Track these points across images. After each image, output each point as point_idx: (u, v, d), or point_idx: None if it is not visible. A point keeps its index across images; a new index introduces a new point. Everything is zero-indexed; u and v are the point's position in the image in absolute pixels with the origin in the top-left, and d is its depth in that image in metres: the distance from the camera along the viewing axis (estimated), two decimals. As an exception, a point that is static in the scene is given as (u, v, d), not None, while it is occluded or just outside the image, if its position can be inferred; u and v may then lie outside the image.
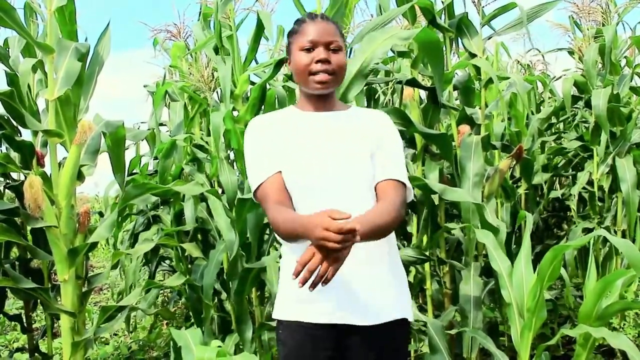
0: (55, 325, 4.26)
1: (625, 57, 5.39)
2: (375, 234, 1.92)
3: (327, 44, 2.10)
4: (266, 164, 2.14)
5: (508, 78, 4.07)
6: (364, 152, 2.12)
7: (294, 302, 2.14)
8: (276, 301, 2.24)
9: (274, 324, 3.67)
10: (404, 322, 2.17)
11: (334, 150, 2.12)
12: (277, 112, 2.31)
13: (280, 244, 2.31)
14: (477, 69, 3.93)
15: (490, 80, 3.84)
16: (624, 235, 4.81)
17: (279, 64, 3.59)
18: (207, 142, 4.43)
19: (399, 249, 3.86)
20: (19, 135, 3.94)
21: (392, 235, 2.18)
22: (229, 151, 4.31)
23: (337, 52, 2.11)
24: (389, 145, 2.18)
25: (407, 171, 2.32)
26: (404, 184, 2.12)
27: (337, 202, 1.99)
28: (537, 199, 5.75)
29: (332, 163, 2.11)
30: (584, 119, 5.78)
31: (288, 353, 2.17)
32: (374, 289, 2.09)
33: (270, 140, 2.17)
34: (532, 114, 5.33)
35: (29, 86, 3.89)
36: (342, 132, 2.16)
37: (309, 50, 2.11)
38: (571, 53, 5.55)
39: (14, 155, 4.00)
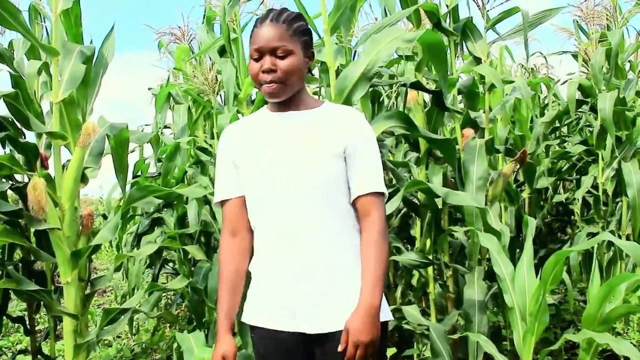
0: (58, 327, 4.26)
1: (629, 61, 5.38)
2: (384, 280, 2.02)
3: (272, 50, 2.02)
4: (224, 184, 2.20)
5: (512, 82, 4.06)
6: (324, 154, 2.05)
7: (260, 307, 2.13)
8: (245, 303, 2.22)
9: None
10: None
11: (285, 154, 2.07)
12: (252, 115, 2.27)
13: None
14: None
15: (493, 85, 3.84)
16: (628, 240, 4.80)
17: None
18: (210, 145, 4.44)
19: (402, 253, 3.88)
20: (23, 137, 3.94)
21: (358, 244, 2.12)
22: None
23: (284, 57, 2.02)
24: (365, 152, 2.09)
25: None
26: (382, 193, 2.09)
27: (288, 211, 2.04)
28: (541, 203, 5.75)
29: (281, 168, 2.06)
30: (588, 123, 5.77)
31: (262, 355, 2.16)
32: (332, 296, 2.03)
33: (234, 153, 2.17)
34: (536, 117, 5.32)
35: (34, 88, 3.90)
36: (298, 134, 2.09)
37: (257, 59, 2.05)
38: (575, 57, 5.54)
39: (18, 157, 4.01)
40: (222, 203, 2.20)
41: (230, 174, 2.18)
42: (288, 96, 2.09)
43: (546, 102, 6.73)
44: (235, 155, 2.16)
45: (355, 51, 3.84)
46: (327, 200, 2.05)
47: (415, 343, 4.13)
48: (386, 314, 2.10)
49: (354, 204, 2.08)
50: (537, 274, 2.83)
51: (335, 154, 2.05)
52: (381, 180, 2.09)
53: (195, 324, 4.23)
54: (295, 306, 2.04)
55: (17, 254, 4.21)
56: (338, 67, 3.52)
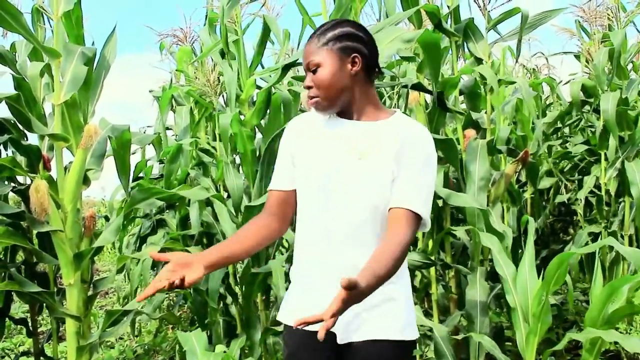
0: (61, 329, 4.26)
1: (632, 61, 5.38)
2: (379, 283, 1.77)
3: (306, 67, 2.04)
4: (276, 175, 2.21)
5: (514, 82, 4.06)
6: (376, 171, 1.99)
7: (293, 307, 2.17)
8: (282, 302, 2.26)
9: (279, 328, 3.70)
10: (393, 342, 2.05)
11: (339, 166, 2.04)
12: (316, 114, 2.21)
13: (286, 249, 2.31)
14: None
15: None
16: (631, 240, 4.80)
17: (286, 68, 3.59)
18: (213, 147, 4.44)
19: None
20: (25, 139, 3.95)
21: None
22: (234, 155, 4.32)
23: (315, 71, 2.01)
24: (412, 167, 1.97)
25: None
26: (419, 216, 1.95)
27: (333, 220, 2.02)
28: (543, 203, 5.75)
29: (333, 179, 2.03)
30: (590, 123, 5.76)
31: (288, 354, 2.20)
32: (370, 308, 2.01)
33: (293, 147, 2.17)
34: (538, 118, 5.32)
35: (35, 90, 3.90)
36: (356, 147, 2.03)
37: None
38: (578, 57, 5.54)
39: (21, 159, 4.01)
40: (270, 192, 2.22)
41: (284, 167, 2.19)
42: (337, 108, 2.05)
43: (548, 102, 6.74)
44: (294, 150, 2.17)
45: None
46: (373, 216, 2.01)
47: (418, 344, 4.13)
48: (413, 332, 2.09)
49: (389, 213, 1.98)
50: (539, 274, 2.83)
51: (390, 176, 1.98)
52: (424, 201, 1.96)
53: (197, 325, 4.23)
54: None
55: (20, 256, 4.20)
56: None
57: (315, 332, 2.08)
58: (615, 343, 2.78)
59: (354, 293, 1.62)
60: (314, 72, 2.01)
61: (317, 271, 2.07)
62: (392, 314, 2.06)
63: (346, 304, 1.62)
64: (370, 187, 1.99)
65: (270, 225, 2.17)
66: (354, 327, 2.03)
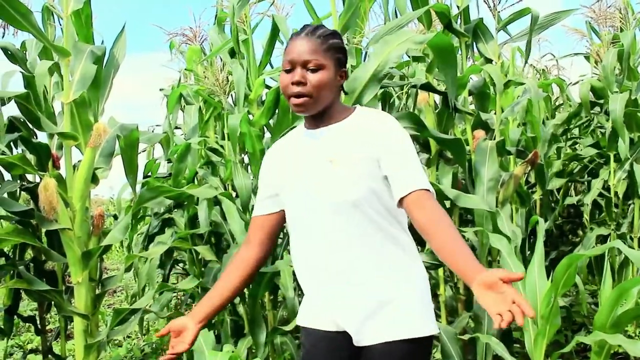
0: (69, 327, 4.27)
1: (642, 62, 5.35)
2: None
3: (304, 63, 2.01)
4: (260, 200, 2.28)
5: (523, 83, 4.04)
6: (352, 174, 2.02)
7: (308, 308, 2.20)
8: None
9: (286, 328, 3.70)
10: (406, 341, 2.04)
11: (314, 177, 2.07)
12: (291, 133, 2.29)
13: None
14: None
15: (504, 86, 3.83)
16: (640, 242, 4.78)
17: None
18: (221, 146, 4.44)
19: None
20: (35, 137, 3.96)
21: (410, 250, 2.11)
22: (243, 155, 4.32)
23: (316, 71, 2.01)
24: (400, 155, 2.02)
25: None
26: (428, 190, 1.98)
27: (322, 233, 2.04)
28: (552, 205, 5.73)
29: (311, 192, 2.07)
30: (599, 125, 5.74)
31: (305, 355, 2.21)
32: (375, 307, 2.04)
33: (270, 176, 2.25)
34: (547, 119, 5.30)
35: (45, 89, 3.91)
36: (326, 155, 2.07)
37: (288, 71, 2.04)
38: (587, 58, 5.52)
39: (30, 157, 4.03)
40: (252, 219, 2.30)
41: (263, 195, 2.26)
42: (316, 111, 2.07)
43: (557, 103, 6.71)
44: (272, 179, 2.23)
45: (366, 52, 3.84)
46: (361, 219, 2.01)
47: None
48: (428, 328, 2.07)
49: (401, 207, 2.00)
50: (548, 276, 2.82)
51: (365, 171, 2.01)
52: (424, 178, 1.99)
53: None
54: (340, 320, 2.08)
55: (29, 254, 4.22)
56: (348, 68, 3.52)
57: (332, 334, 2.11)
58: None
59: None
60: (313, 71, 2.01)
61: (322, 275, 2.10)
62: (404, 312, 2.05)
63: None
64: (345, 186, 2.01)
65: (249, 258, 2.26)
66: (367, 329, 2.04)
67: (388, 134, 2.05)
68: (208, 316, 2.18)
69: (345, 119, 2.11)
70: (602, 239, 4.99)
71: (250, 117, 4.16)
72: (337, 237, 2.03)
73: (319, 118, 2.11)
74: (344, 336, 2.08)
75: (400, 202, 1.98)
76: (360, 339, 2.05)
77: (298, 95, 2.02)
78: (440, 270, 3.86)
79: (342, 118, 2.12)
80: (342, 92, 2.17)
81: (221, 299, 2.21)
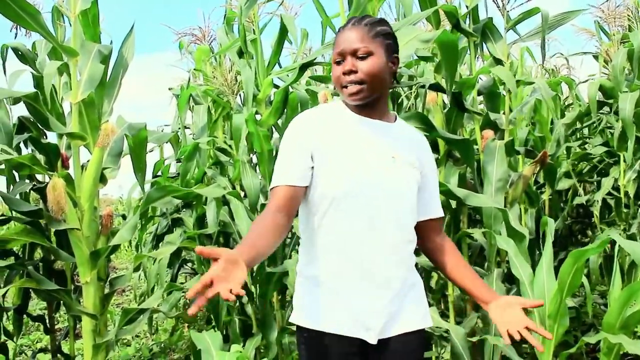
0: (78, 326, 4.29)
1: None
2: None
3: (353, 52, 2.00)
4: (292, 170, 2.04)
5: (532, 83, 4.02)
6: (409, 175, 2.10)
7: (327, 313, 2.06)
8: (304, 306, 2.15)
9: (294, 328, 3.69)
10: (418, 332, 2.12)
11: (377, 168, 2.03)
12: (325, 109, 2.17)
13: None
14: (502, 74, 3.91)
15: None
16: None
17: (302, 68, 3.58)
18: (230, 146, 4.44)
19: (421, 254, 3.86)
20: (44, 137, 3.98)
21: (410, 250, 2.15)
22: (251, 154, 4.32)
23: (365, 58, 1.99)
24: (435, 178, 2.22)
25: None
26: None
27: (370, 222, 1.99)
28: (562, 205, 5.70)
29: (372, 181, 2.01)
30: (609, 125, 5.71)
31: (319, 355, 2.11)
32: (401, 307, 2.08)
33: (313, 144, 2.05)
34: (557, 119, 5.28)
35: (55, 89, 3.92)
36: (388, 150, 2.07)
37: (339, 62, 2.03)
38: (596, 57, 5.49)
39: (40, 157, 4.04)
40: (280, 187, 2.03)
41: (300, 162, 2.04)
42: (370, 99, 2.05)
43: (567, 103, 6.68)
44: (315, 147, 2.04)
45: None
46: (405, 221, 2.09)
47: (433, 345, 4.10)
48: (430, 319, 2.20)
49: (419, 222, 2.16)
50: (557, 276, 2.80)
51: (414, 179, 2.11)
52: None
53: (213, 324, 4.24)
54: (369, 320, 2.03)
55: (38, 253, 4.23)
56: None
57: (345, 339, 2.06)
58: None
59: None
60: (362, 58, 2.00)
61: (357, 275, 2.01)
62: (417, 302, 2.15)
63: None
64: (405, 187, 2.07)
65: (283, 225, 1.98)
66: (388, 325, 2.06)
67: (431, 155, 2.22)
68: (254, 261, 1.81)
69: (396, 122, 2.16)
70: (611, 240, 4.96)
71: (259, 117, 4.16)
72: (393, 235, 2.04)
73: (372, 108, 2.10)
74: (358, 343, 2.05)
75: (422, 221, 2.14)
76: (382, 334, 2.05)
77: (351, 84, 2.01)
78: (449, 271, 3.84)
79: (392, 119, 2.16)
80: (394, 80, 2.14)
81: (263, 248, 1.85)
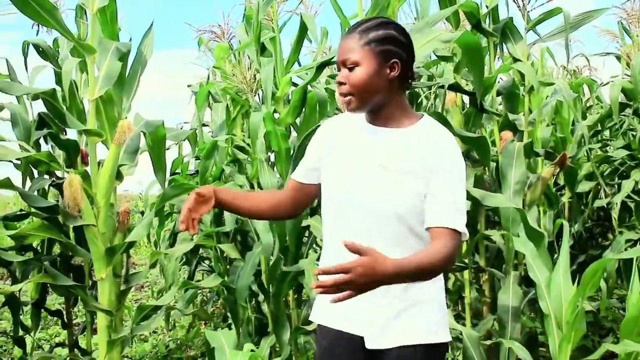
0: (95, 321, 4.32)
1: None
2: (407, 275, 1.82)
3: (343, 63, 2.00)
4: (301, 166, 2.29)
5: (553, 84, 3.98)
6: (399, 185, 1.99)
7: (324, 307, 2.19)
8: (314, 303, 2.29)
9: (310, 327, 3.69)
10: (421, 346, 2.05)
11: (361, 175, 2.05)
12: (350, 115, 2.19)
13: (321, 247, 2.32)
14: (522, 75, 3.87)
15: (532, 87, 3.78)
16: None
17: (321, 67, 3.58)
18: (248, 144, 4.44)
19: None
20: (64, 133, 4.00)
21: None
22: (269, 153, 4.31)
23: (353, 69, 1.98)
24: (442, 183, 1.97)
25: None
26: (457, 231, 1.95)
27: (354, 233, 1.98)
28: (582, 207, 5.64)
29: (353, 188, 2.05)
30: (631, 127, 5.64)
31: (321, 353, 2.21)
32: (393, 312, 2.04)
33: (324, 146, 2.21)
34: (578, 121, 5.22)
35: (76, 86, 3.94)
36: (377, 157, 2.03)
37: (339, 71, 2.04)
38: (619, 58, 5.43)
39: (60, 153, 4.07)
40: (291, 178, 2.34)
41: (307, 161, 2.27)
42: (366, 109, 2.05)
43: (588, 104, 6.61)
44: (324, 152, 2.20)
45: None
46: (396, 230, 2.01)
47: (450, 346, 4.08)
48: (443, 335, 2.09)
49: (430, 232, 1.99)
50: (574, 279, 2.77)
51: (412, 185, 1.98)
52: (459, 214, 1.96)
53: (229, 322, 4.24)
54: (359, 323, 2.08)
55: (57, 249, 4.26)
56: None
57: (347, 335, 2.10)
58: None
59: (371, 265, 1.68)
60: (351, 69, 1.99)
61: None
62: (421, 318, 2.06)
63: (361, 271, 1.67)
64: (393, 197, 1.99)
65: (284, 202, 2.31)
66: (383, 334, 2.04)
67: (443, 156, 2.00)
68: (226, 202, 2.20)
69: (408, 127, 2.06)
70: (631, 243, 4.90)
71: (277, 115, 4.15)
72: (369, 241, 1.94)
73: (376, 115, 2.08)
74: (362, 339, 2.08)
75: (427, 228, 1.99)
76: (376, 344, 2.04)
77: (343, 95, 2.02)
78: (466, 273, 3.83)
79: (405, 124, 2.06)
80: (404, 86, 2.08)
81: (240, 204, 2.25)
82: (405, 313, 2.03)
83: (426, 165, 1.98)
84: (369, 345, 2.04)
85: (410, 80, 2.10)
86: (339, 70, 2.04)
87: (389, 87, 2.02)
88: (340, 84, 2.01)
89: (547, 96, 4.57)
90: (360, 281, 1.66)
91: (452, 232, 1.92)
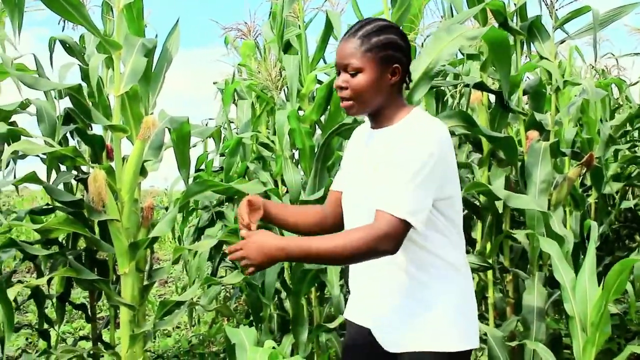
0: (119, 315, 4.35)
1: None
2: (311, 259, 1.94)
3: (344, 67, 2.00)
4: (337, 177, 2.35)
5: (579, 84, 3.93)
6: (373, 178, 2.03)
7: (352, 303, 2.26)
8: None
9: (331, 325, 3.69)
10: (436, 354, 2.01)
11: (359, 178, 2.12)
12: (366, 122, 2.25)
13: None
14: (549, 73, 3.83)
15: (560, 87, 3.74)
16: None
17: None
18: (272, 141, 4.45)
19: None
20: (90, 129, 4.02)
21: (443, 264, 2.05)
22: (293, 150, 4.31)
23: (355, 75, 1.98)
24: (388, 167, 1.95)
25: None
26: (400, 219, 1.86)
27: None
28: (609, 208, 5.58)
29: (353, 188, 2.16)
30: (661, 127, 5.57)
31: (345, 346, 2.29)
32: (404, 316, 2.04)
33: (345, 156, 2.32)
34: (606, 120, 5.16)
35: (102, 81, 3.97)
36: (372, 159, 2.07)
37: (338, 74, 2.05)
38: (649, 58, 5.36)
39: (85, 148, 4.10)
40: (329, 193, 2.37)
41: (342, 172, 2.32)
42: (366, 113, 2.08)
43: (617, 104, 6.54)
44: (344, 161, 2.32)
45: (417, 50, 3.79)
46: None
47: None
48: (462, 343, 2.04)
49: None
50: (602, 282, 2.74)
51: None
52: (404, 204, 1.86)
53: (252, 318, 4.24)
54: (366, 320, 2.15)
55: (83, 243, 4.29)
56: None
57: (363, 328, 2.11)
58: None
59: (275, 249, 1.86)
60: (353, 75, 1.99)
61: (353, 273, 2.19)
62: (436, 324, 2.03)
63: (250, 245, 1.88)
64: (366, 192, 2.06)
65: (326, 217, 2.31)
66: (397, 337, 2.04)
67: (401, 143, 1.96)
68: (274, 215, 2.22)
69: (396, 123, 2.06)
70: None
71: (302, 113, 4.14)
72: None
73: (376, 118, 2.10)
74: (372, 339, 2.12)
75: None
76: (389, 346, 2.05)
77: (343, 100, 2.03)
78: (489, 273, 3.80)
79: (395, 121, 2.07)
80: (402, 88, 2.09)
81: (291, 216, 2.28)
82: (418, 318, 2.02)
83: (383, 162, 2.01)
84: (385, 346, 2.06)
85: (408, 82, 2.12)
86: (338, 73, 2.05)
87: (390, 91, 2.04)
88: (341, 88, 2.02)
89: (576, 95, 4.52)
90: (252, 255, 1.85)
91: (389, 217, 1.86)
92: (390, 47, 2.00)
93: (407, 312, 2.02)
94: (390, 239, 1.85)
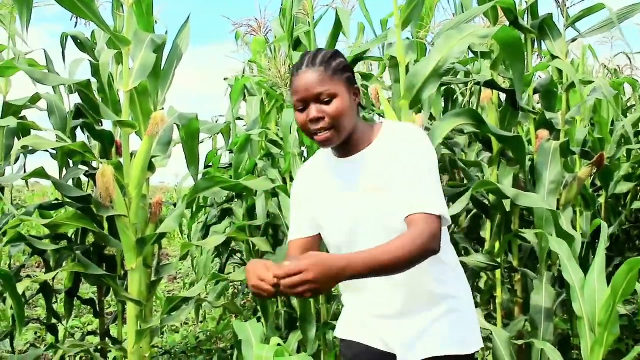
0: (126, 311, 4.36)
1: None
2: (380, 272, 1.77)
3: (315, 98, 1.92)
4: (296, 224, 2.20)
5: (592, 82, 3.90)
6: (378, 204, 1.98)
7: (344, 322, 2.25)
8: (340, 318, 2.31)
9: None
10: (454, 358, 2.05)
11: (348, 206, 2.04)
12: (318, 157, 2.22)
13: None
14: (560, 72, 3.80)
15: (572, 84, 3.71)
16: None
17: (355, 61, 3.56)
18: (281, 138, 4.44)
19: (470, 254, 3.80)
20: (100, 124, 4.03)
21: (454, 267, 2.10)
22: (302, 147, 4.31)
23: (330, 101, 1.92)
24: (409, 175, 1.93)
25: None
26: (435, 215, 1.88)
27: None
28: (620, 209, 5.54)
29: (346, 220, 2.05)
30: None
31: None
32: (426, 323, 2.05)
33: (304, 196, 2.19)
34: (617, 119, 5.12)
35: (112, 77, 3.97)
36: (359, 183, 2.03)
37: (302, 110, 1.96)
38: (662, 58, 5.32)
39: (95, 144, 4.11)
40: (290, 242, 2.20)
41: (303, 215, 2.19)
42: (342, 140, 2.00)
43: (630, 104, 6.49)
44: (308, 202, 2.17)
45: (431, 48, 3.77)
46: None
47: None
48: (475, 345, 2.08)
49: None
50: (609, 282, 2.72)
51: (384, 197, 1.98)
52: (434, 198, 1.90)
53: (259, 315, 4.25)
54: (385, 338, 2.11)
55: (91, 238, 4.30)
56: (409, 63, 3.46)
57: (377, 351, 2.10)
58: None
59: (339, 270, 1.66)
60: (327, 102, 1.93)
61: (370, 297, 2.11)
62: (454, 327, 2.06)
63: (316, 269, 1.62)
64: (390, 213, 1.96)
65: None
66: (414, 346, 2.04)
67: (407, 149, 1.97)
68: None
69: (375, 141, 2.05)
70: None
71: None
72: None
73: (348, 146, 2.05)
74: (389, 354, 2.08)
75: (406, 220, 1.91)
76: (407, 356, 2.04)
77: (322, 131, 1.95)
78: (498, 272, 3.78)
79: (371, 140, 2.05)
80: (360, 108, 2.10)
81: None
82: (437, 323, 2.03)
83: (392, 172, 1.97)
84: (402, 358, 2.05)
85: (361, 107, 2.11)
86: (303, 109, 1.97)
87: (357, 113, 2.04)
88: (318, 119, 1.93)
89: (588, 94, 4.49)
90: (320, 278, 1.61)
91: (426, 216, 1.86)
92: (347, 70, 2.01)
93: (430, 318, 2.04)
94: (436, 238, 1.86)
